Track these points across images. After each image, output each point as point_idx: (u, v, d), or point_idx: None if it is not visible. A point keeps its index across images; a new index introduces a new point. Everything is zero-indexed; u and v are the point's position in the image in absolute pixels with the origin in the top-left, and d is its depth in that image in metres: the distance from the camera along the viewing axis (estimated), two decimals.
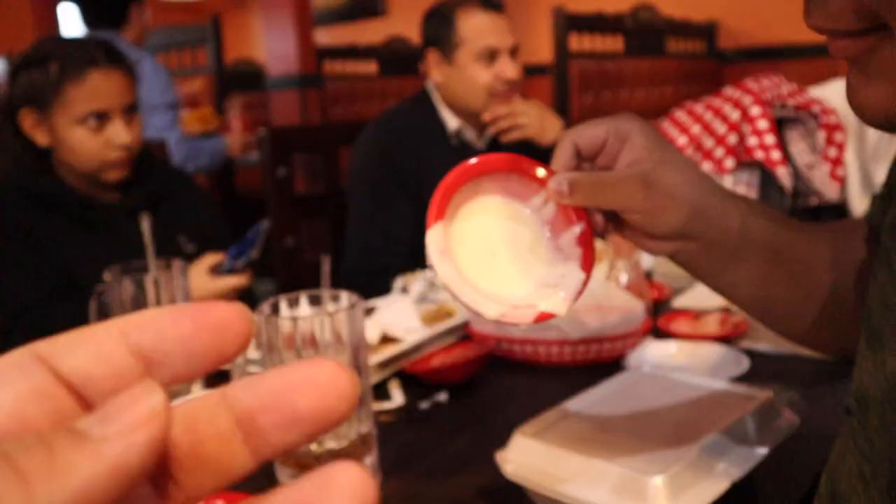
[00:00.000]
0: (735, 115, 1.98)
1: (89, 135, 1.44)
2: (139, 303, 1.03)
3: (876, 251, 0.60)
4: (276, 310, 0.82)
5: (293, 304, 0.84)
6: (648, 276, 1.42)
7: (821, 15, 0.44)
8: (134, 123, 1.49)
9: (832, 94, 2.13)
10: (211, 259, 1.45)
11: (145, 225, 1.10)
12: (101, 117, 1.44)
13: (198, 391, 1.01)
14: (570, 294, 0.60)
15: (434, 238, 0.57)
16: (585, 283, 0.61)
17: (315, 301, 0.83)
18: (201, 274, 1.44)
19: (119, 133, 1.45)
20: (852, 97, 0.45)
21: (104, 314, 1.05)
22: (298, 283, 2.02)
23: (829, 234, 0.70)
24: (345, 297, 0.81)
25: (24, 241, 1.41)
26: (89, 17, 2.81)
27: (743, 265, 0.66)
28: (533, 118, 1.83)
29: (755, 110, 1.96)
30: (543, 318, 0.58)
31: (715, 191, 0.64)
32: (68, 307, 1.38)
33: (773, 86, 2.06)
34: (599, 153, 0.64)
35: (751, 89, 2.02)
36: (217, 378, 1.05)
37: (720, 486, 0.66)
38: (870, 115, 0.44)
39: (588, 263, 0.61)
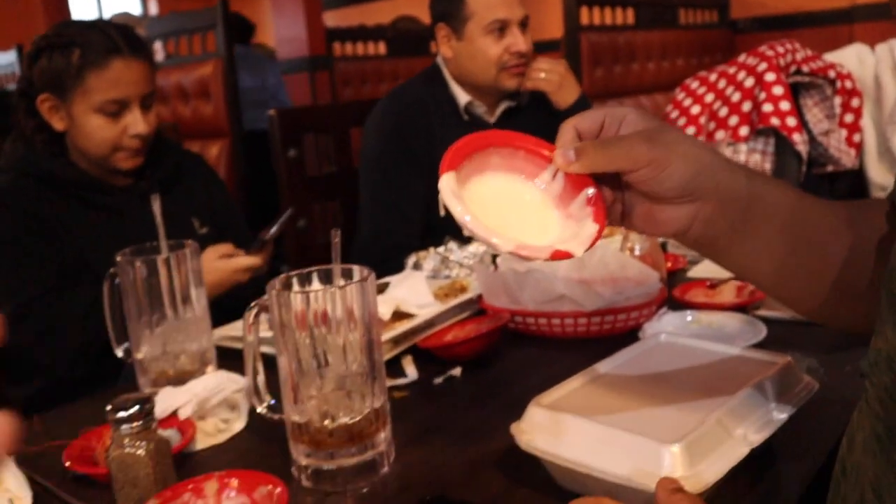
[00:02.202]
0: (749, 81, 1.95)
1: (106, 122, 1.44)
2: (152, 285, 1.03)
3: (893, 218, 0.59)
4: (287, 286, 0.81)
5: (305, 280, 0.83)
6: (663, 247, 1.41)
7: None
8: (151, 112, 1.49)
9: (848, 58, 2.09)
10: (225, 248, 1.44)
11: (156, 206, 1.10)
12: (120, 105, 1.44)
13: (212, 372, 1.01)
14: (584, 240, 0.60)
15: (447, 182, 0.58)
16: (599, 232, 0.61)
17: (326, 277, 0.82)
18: (215, 257, 1.44)
19: (136, 122, 1.45)
20: None
21: (117, 297, 1.05)
22: (311, 264, 2.02)
23: (847, 209, 0.69)
24: (356, 271, 0.81)
25: (36, 228, 1.41)
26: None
27: (756, 234, 0.65)
28: (553, 75, 1.84)
29: (770, 76, 1.92)
30: (559, 255, 0.59)
31: (717, 154, 0.65)
32: (82, 292, 1.38)
33: (788, 52, 2.02)
34: (598, 135, 0.65)
35: (765, 55, 1.99)
36: (231, 358, 1.05)
37: (739, 452, 0.65)
38: None
39: (600, 218, 0.61)
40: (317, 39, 4.73)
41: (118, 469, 0.74)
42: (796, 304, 0.74)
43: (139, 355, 1.02)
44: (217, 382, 0.92)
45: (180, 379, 0.98)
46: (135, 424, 0.75)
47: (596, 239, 0.60)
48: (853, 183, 1.97)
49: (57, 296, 1.37)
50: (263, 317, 0.81)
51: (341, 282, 0.80)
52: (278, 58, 4.94)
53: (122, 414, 0.74)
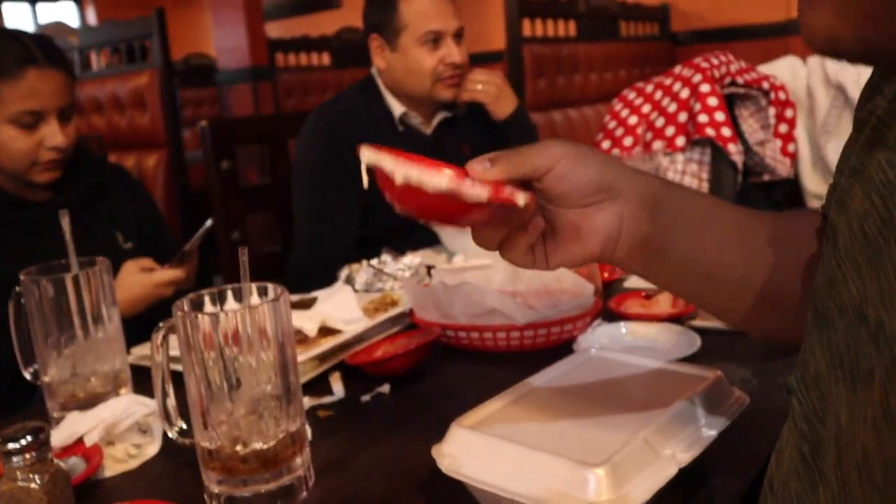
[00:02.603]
0: (685, 93, 1.96)
1: (21, 134, 1.37)
2: (60, 304, 0.97)
3: (824, 231, 0.58)
4: (198, 306, 0.76)
5: (217, 299, 0.79)
6: None
7: None
8: (69, 125, 1.43)
9: (782, 70, 2.12)
10: (145, 262, 1.39)
11: (65, 222, 1.04)
12: (36, 117, 1.37)
13: (126, 394, 0.95)
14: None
15: (366, 152, 0.58)
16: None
17: (240, 295, 0.78)
18: (135, 271, 1.38)
19: (53, 134, 1.39)
20: (800, 20, 0.42)
21: (23, 317, 0.98)
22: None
23: (777, 221, 0.68)
24: (271, 289, 0.77)
25: None
26: None
27: (680, 239, 0.65)
28: (490, 87, 1.82)
29: (704, 87, 1.94)
30: (500, 197, 0.56)
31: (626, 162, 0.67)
32: None
33: (723, 63, 2.04)
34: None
35: (700, 67, 2.00)
36: (150, 378, 0.99)
37: (667, 472, 0.63)
38: (813, 38, 0.42)
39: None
40: (259, 50, 4.66)
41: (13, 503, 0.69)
42: (725, 316, 0.72)
43: (46, 378, 0.96)
44: (126, 406, 0.87)
45: (91, 402, 0.92)
46: (27, 456, 0.69)
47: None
48: (789, 191, 1.99)
49: None
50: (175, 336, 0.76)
51: (255, 300, 0.76)
52: (219, 68, 4.85)
53: (12, 445, 0.69)
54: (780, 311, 0.67)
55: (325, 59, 5.16)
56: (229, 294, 0.79)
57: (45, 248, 1.33)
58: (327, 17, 6.60)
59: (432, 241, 1.61)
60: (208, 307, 0.78)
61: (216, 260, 1.91)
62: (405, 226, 1.75)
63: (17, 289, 0.98)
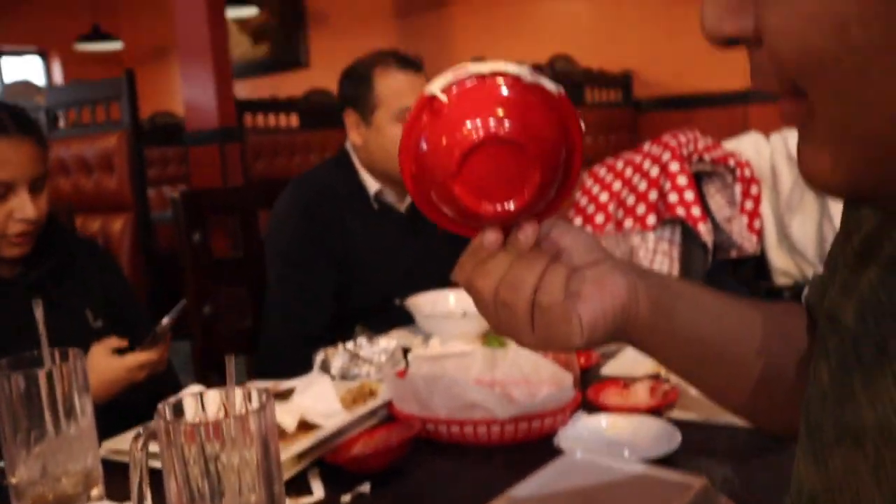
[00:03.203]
0: (655, 170, 2.01)
1: None
2: (31, 398, 0.94)
3: (815, 337, 0.59)
4: (178, 411, 0.75)
5: (198, 402, 0.77)
6: None
7: (758, 78, 0.42)
8: (41, 197, 1.40)
9: (745, 146, 2.19)
10: (115, 342, 1.36)
11: (38, 312, 1.02)
12: (6, 188, 1.35)
13: (97, 494, 0.92)
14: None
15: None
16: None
17: (221, 398, 0.77)
18: (105, 354, 1.35)
19: (23, 206, 1.35)
20: (799, 164, 0.43)
21: None
22: (216, 350, 1.94)
23: (764, 313, 0.68)
24: (255, 394, 0.75)
25: None
26: None
27: (678, 308, 0.65)
28: None
29: (674, 166, 1.98)
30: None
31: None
32: None
33: (690, 141, 2.10)
34: None
35: (668, 145, 2.05)
36: (121, 473, 0.96)
37: None
38: (811, 181, 0.43)
39: None
40: (227, 110, 4.67)
41: None
42: (720, 397, 0.71)
43: (14, 479, 0.93)
44: None
45: None
46: None
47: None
48: (756, 267, 2.03)
49: None
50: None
51: (238, 407, 0.75)
52: (187, 129, 4.85)
53: None
54: (773, 398, 0.67)
55: (294, 120, 5.18)
56: (210, 397, 0.77)
57: (10, 328, 1.30)
58: (295, 77, 6.65)
59: (407, 320, 1.61)
60: (189, 408, 0.76)
61: (187, 333, 1.88)
62: (380, 304, 1.75)
63: None
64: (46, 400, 0.95)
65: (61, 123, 3.68)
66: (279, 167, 4.53)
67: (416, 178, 0.57)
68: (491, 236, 0.58)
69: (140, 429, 0.75)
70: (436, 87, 0.54)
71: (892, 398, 0.43)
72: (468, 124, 0.52)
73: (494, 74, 0.53)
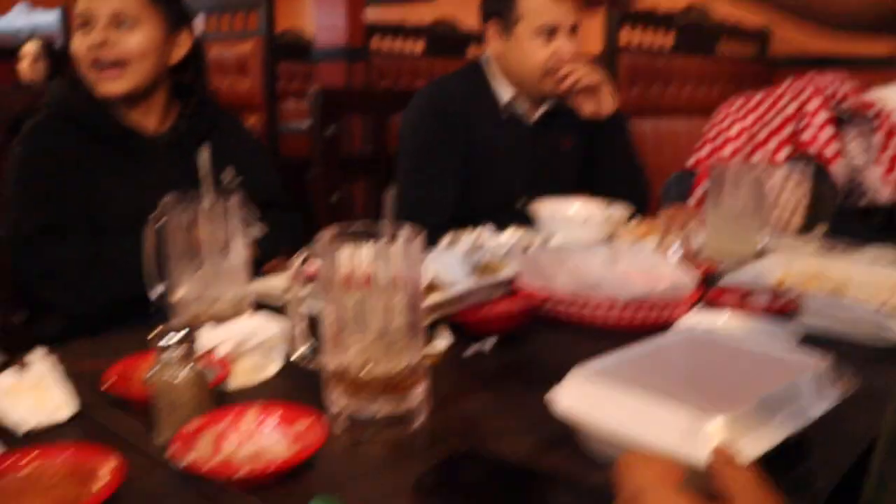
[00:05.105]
0: (792, 107, 1.96)
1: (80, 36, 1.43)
2: (193, 230, 1.04)
3: None
4: (336, 241, 0.82)
5: (354, 236, 0.83)
6: (697, 255, 1.40)
7: None
8: (122, 33, 1.43)
9: (892, 96, 2.09)
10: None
11: (204, 156, 1.11)
12: (84, 21, 1.42)
13: (247, 316, 1.01)
14: None
15: None
16: None
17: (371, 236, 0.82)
18: None
19: (95, 36, 1.41)
20: None
21: (158, 240, 1.05)
22: None
23: None
24: (403, 232, 0.81)
25: (55, 166, 1.41)
26: None
27: None
28: (594, 75, 1.83)
29: (815, 103, 1.93)
30: None
31: None
32: (81, 239, 1.38)
33: (836, 80, 2.04)
34: None
35: (812, 80, 2.01)
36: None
37: (776, 436, 0.66)
38: None
39: None
40: (356, 31, 4.76)
41: (160, 393, 0.75)
42: None
43: (178, 295, 1.03)
44: (254, 326, 0.93)
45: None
46: (178, 352, 0.76)
47: None
48: (889, 217, 1.96)
49: (59, 237, 1.37)
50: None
51: (390, 239, 0.80)
52: (316, 46, 4.97)
53: (166, 341, 0.76)
54: None
55: (419, 47, 5.24)
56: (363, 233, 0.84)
57: (156, 182, 1.39)
58: (423, 7, 6.67)
59: (528, 224, 1.65)
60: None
61: (314, 221, 1.98)
62: (501, 207, 1.80)
63: (157, 212, 1.05)
64: (206, 233, 1.04)
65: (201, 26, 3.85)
66: (402, 88, 4.61)
67: None
68: None
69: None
70: None
71: None
72: None
73: None
